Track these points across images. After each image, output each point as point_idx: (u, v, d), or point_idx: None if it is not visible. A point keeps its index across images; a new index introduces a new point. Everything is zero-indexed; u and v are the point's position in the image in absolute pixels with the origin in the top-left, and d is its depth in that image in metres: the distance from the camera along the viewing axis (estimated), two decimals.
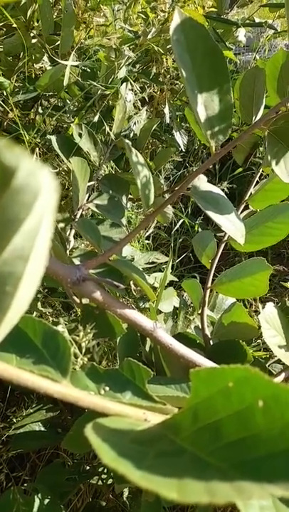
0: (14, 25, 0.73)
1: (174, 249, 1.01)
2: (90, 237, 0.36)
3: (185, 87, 0.30)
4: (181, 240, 1.05)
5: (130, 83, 0.68)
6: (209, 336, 0.46)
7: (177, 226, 1.01)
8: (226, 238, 0.50)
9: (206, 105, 0.32)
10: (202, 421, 0.20)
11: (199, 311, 0.48)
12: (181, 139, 0.93)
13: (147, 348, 0.51)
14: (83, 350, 0.33)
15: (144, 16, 0.71)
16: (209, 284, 0.48)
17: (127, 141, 0.69)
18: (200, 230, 1.17)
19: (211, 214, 0.35)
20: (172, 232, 1.01)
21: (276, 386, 0.17)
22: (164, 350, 0.40)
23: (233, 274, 0.46)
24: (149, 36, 0.61)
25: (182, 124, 1.03)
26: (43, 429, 0.71)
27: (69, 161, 0.56)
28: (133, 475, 0.15)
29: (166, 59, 0.90)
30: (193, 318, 0.54)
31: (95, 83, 0.58)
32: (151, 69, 0.88)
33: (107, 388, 0.30)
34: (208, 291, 0.48)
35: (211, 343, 0.45)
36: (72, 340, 0.32)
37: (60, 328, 0.28)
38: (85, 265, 0.34)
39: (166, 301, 0.65)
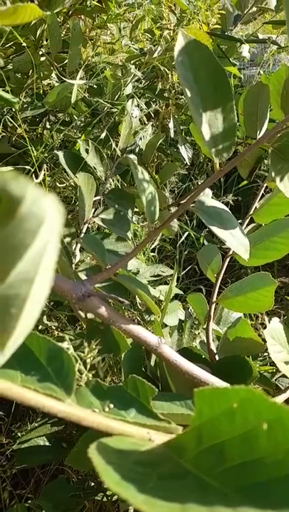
0: (24, 44, 0.74)
1: (179, 262, 1.01)
2: (95, 252, 0.36)
3: (189, 106, 0.30)
4: (186, 253, 1.05)
5: (136, 99, 0.69)
6: (214, 351, 0.46)
7: (182, 239, 1.02)
8: (231, 252, 0.50)
9: (210, 124, 0.32)
10: (206, 442, 0.20)
11: (204, 326, 0.48)
12: (186, 152, 0.94)
13: (152, 363, 0.51)
14: (88, 366, 0.33)
15: (149, 35, 0.72)
16: (214, 299, 0.48)
17: (132, 157, 0.70)
18: (205, 242, 1.17)
19: (215, 229, 0.35)
20: (178, 245, 1.02)
21: (280, 409, 0.17)
22: (169, 366, 0.39)
23: (238, 289, 0.46)
24: (155, 55, 0.62)
25: (187, 137, 1.04)
26: (47, 443, 0.71)
27: (76, 176, 0.57)
28: (135, 499, 0.15)
29: (172, 75, 0.91)
30: (199, 333, 0.54)
31: (101, 100, 0.59)
32: (157, 84, 0.90)
33: (112, 405, 0.30)
34: (214, 305, 0.48)
35: (217, 358, 0.45)
36: (77, 356, 0.32)
37: (65, 344, 0.28)
38: (90, 281, 0.35)
39: (171, 315, 0.65)
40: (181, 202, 0.35)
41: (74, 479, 0.63)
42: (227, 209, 0.38)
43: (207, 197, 0.37)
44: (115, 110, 0.71)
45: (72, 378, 0.24)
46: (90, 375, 0.32)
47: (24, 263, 0.13)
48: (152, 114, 0.89)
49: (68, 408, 0.21)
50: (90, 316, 0.42)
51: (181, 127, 0.99)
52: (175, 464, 0.20)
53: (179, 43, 0.31)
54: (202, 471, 0.18)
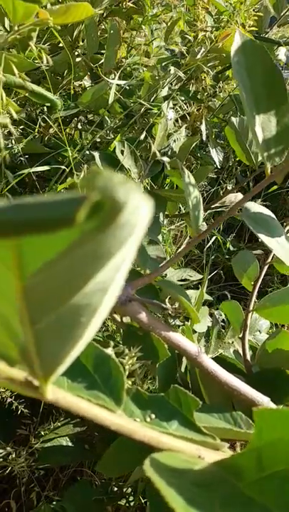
0: (60, 45, 0.75)
1: (205, 266, 0.99)
2: (138, 257, 0.35)
3: (243, 108, 0.29)
4: (213, 257, 1.03)
5: (172, 101, 0.68)
6: (250, 362, 0.44)
7: (210, 243, 1.00)
8: (269, 260, 0.48)
9: (263, 127, 0.31)
10: (268, 468, 0.18)
11: (240, 335, 0.46)
12: (217, 155, 0.93)
13: (182, 369, 0.50)
14: (126, 373, 0.32)
15: (189, 37, 0.71)
16: (251, 307, 0.46)
17: (165, 159, 0.69)
18: (231, 247, 1.15)
19: (262, 237, 0.34)
20: (205, 249, 1.00)
21: None
22: (206, 375, 0.38)
23: (277, 299, 0.44)
24: (198, 56, 0.61)
25: (217, 141, 1.03)
26: (70, 444, 0.70)
27: None
28: None
29: (205, 77, 0.90)
30: (232, 342, 0.52)
31: (141, 101, 0.58)
32: (189, 86, 0.88)
33: (153, 416, 0.29)
34: (250, 314, 0.46)
35: (253, 369, 0.43)
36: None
37: (109, 351, 0.27)
38: (131, 285, 0.34)
39: (200, 321, 0.63)
40: (228, 209, 0.34)
41: (97, 482, 0.63)
42: (273, 216, 0.37)
43: (253, 203, 0.35)
44: (149, 112, 0.70)
45: (121, 388, 0.23)
46: (130, 383, 0.31)
47: (104, 273, 0.13)
48: (184, 117, 0.87)
49: (120, 420, 0.20)
50: (125, 320, 0.42)
51: (212, 130, 0.97)
52: (234, 488, 0.19)
53: (236, 43, 0.30)
54: (268, 500, 0.17)
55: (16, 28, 0.33)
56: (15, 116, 0.39)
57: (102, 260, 0.12)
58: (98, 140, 0.88)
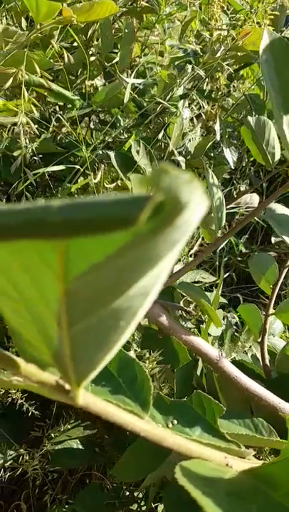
0: (74, 44, 0.75)
1: (218, 268, 0.98)
2: None
3: (272, 107, 0.28)
4: (225, 259, 1.03)
5: (187, 100, 0.67)
6: (269, 367, 0.44)
7: (223, 245, 0.99)
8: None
9: None
10: None
11: (258, 339, 0.46)
12: (230, 156, 0.92)
13: (198, 372, 0.49)
14: None
15: (206, 35, 0.71)
16: (270, 311, 0.45)
17: (180, 159, 0.69)
18: (243, 249, 1.14)
19: (286, 239, 0.33)
20: (218, 251, 0.99)
21: None
22: (226, 380, 0.38)
23: None
24: (218, 54, 0.61)
25: (231, 141, 1.02)
26: (80, 446, 0.70)
27: (126, 177, 0.56)
28: None
29: (219, 76, 0.89)
30: (250, 346, 0.52)
31: (159, 99, 0.58)
32: (202, 86, 0.88)
33: (175, 422, 0.28)
34: (269, 318, 0.46)
35: (272, 375, 0.43)
36: None
37: (132, 354, 0.27)
38: None
39: (221, 324, 0.63)
40: (250, 212, 0.34)
41: (108, 486, 0.62)
42: None
43: (278, 205, 0.35)
44: (164, 111, 0.70)
45: (147, 393, 0.23)
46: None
47: (149, 277, 0.12)
48: (198, 116, 0.87)
49: (149, 427, 0.20)
50: (142, 322, 0.41)
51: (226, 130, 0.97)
52: (269, 498, 0.18)
53: (264, 41, 0.29)
54: None
55: (38, 26, 0.33)
56: (36, 114, 0.39)
57: (152, 263, 0.11)
58: (112, 140, 0.88)
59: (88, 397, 0.18)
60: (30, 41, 0.34)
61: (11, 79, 0.36)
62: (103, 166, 0.49)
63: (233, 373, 0.35)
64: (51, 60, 0.45)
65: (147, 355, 0.31)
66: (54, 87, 0.45)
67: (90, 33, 0.76)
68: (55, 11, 0.31)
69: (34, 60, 0.37)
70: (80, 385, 0.17)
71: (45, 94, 0.45)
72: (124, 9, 0.74)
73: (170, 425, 0.28)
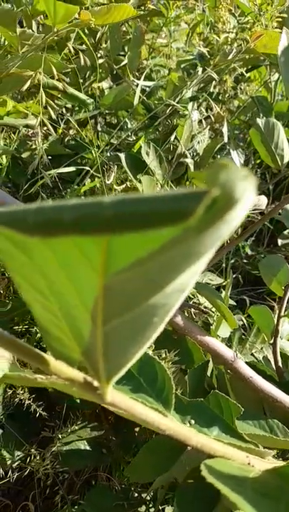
0: (82, 47, 0.75)
1: (224, 270, 0.98)
2: None
3: None
4: (232, 261, 1.03)
5: (195, 103, 0.68)
6: (282, 369, 0.44)
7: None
8: None
9: None
10: None
11: (270, 341, 0.46)
12: (238, 158, 0.92)
13: (209, 373, 0.49)
14: None
15: (216, 37, 0.71)
16: (283, 313, 0.45)
17: (189, 161, 0.69)
18: (249, 251, 1.14)
19: None
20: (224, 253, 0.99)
21: None
22: (240, 381, 0.38)
23: None
24: (230, 57, 0.61)
25: (238, 143, 1.02)
26: (88, 448, 0.70)
27: (136, 179, 0.56)
28: None
29: (226, 78, 0.90)
30: (261, 348, 0.52)
31: (170, 101, 0.58)
32: (210, 88, 0.88)
33: (193, 421, 0.29)
34: (282, 320, 0.46)
35: (285, 376, 0.43)
36: None
37: (151, 353, 0.27)
38: None
39: (224, 326, 0.63)
40: (267, 212, 0.34)
41: (117, 487, 0.62)
42: None
43: None
44: (171, 112, 0.70)
45: (169, 392, 0.23)
46: None
47: (188, 274, 0.12)
48: (206, 118, 0.87)
49: (174, 425, 0.20)
50: None
51: (233, 132, 0.97)
52: None
53: (283, 43, 0.29)
54: None
55: (55, 29, 0.33)
56: (53, 116, 0.39)
57: (194, 259, 0.11)
58: (117, 141, 0.88)
59: (115, 395, 0.18)
60: (47, 44, 0.35)
61: (29, 81, 0.36)
62: (116, 167, 0.49)
63: (248, 374, 0.35)
64: (63, 63, 0.45)
65: (164, 355, 0.31)
66: (68, 89, 0.45)
67: (98, 35, 0.77)
68: (73, 14, 0.31)
69: (52, 63, 0.37)
70: (110, 382, 0.17)
71: (59, 96, 0.45)
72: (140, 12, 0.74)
73: (187, 425, 0.28)
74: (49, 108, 0.39)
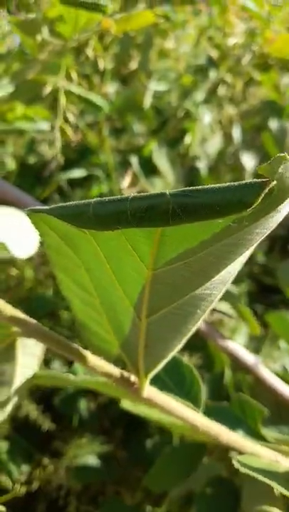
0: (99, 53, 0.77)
1: (239, 279, 0.99)
2: None
3: None
4: (245, 268, 1.04)
5: (205, 106, 0.70)
6: None
7: None
8: None
9: None
10: None
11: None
12: (249, 161, 0.94)
13: (227, 380, 0.50)
14: None
15: (222, 42, 0.73)
16: None
17: (202, 164, 0.70)
18: (262, 258, 1.15)
19: None
20: None
21: None
22: (259, 386, 0.38)
23: None
24: (245, 61, 0.63)
25: (249, 147, 1.04)
26: (97, 461, 0.71)
27: (148, 181, 0.58)
28: None
29: (236, 82, 0.92)
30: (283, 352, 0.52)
31: (179, 104, 0.60)
32: (220, 92, 0.90)
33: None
34: None
35: None
36: None
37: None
38: None
39: (240, 333, 0.64)
40: None
41: (128, 501, 0.62)
42: None
43: None
44: (183, 116, 0.72)
45: (198, 391, 0.24)
46: None
47: (234, 264, 0.14)
48: (217, 122, 0.89)
49: (207, 421, 0.21)
50: None
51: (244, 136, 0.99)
52: None
53: None
54: None
55: (75, 37, 0.35)
56: (72, 119, 0.41)
57: (243, 249, 0.13)
58: (126, 146, 0.90)
59: (151, 390, 0.19)
60: (67, 50, 0.37)
61: (49, 87, 0.38)
62: (131, 170, 0.51)
63: (269, 379, 0.36)
64: (79, 68, 0.47)
65: (186, 358, 0.32)
66: (82, 92, 0.47)
67: (108, 40, 0.79)
68: (95, 22, 0.33)
69: (72, 69, 0.39)
70: (148, 376, 0.18)
71: (75, 101, 0.47)
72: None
73: None
74: (67, 112, 0.41)
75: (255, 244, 0.13)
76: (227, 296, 0.36)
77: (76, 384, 0.22)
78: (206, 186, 0.11)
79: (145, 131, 0.78)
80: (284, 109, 1.01)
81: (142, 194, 0.12)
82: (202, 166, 0.67)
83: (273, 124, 0.65)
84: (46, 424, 0.63)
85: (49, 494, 0.66)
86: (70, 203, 0.12)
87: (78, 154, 0.82)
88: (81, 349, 0.19)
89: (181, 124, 0.72)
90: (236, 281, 0.95)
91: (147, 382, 0.18)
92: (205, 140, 0.71)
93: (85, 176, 0.70)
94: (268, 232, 0.12)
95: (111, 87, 0.93)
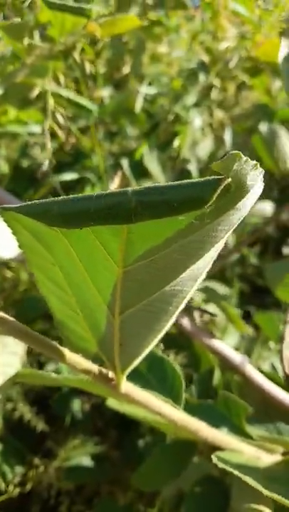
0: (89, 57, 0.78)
1: (230, 279, 1.00)
2: None
3: None
4: (238, 270, 1.04)
5: (196, 109, 0.70)
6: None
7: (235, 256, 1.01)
8: None
9: None
10: None
11: (277, 347, 0.47)
12: None
13: (216, 380, 0.50)
14: None
15: (215, 46, 0.74)
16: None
17: (192, 167, 0.71)
18: (254, 260, 1.16)
19: None
20: (227, 261, 1.01)
21: None
22: (247, 386, 0.39)
23: None
24: (232, 65, 0.64)
25: (241, 151, 1.05)
26: (90, 462, 0.71)
27: (138, 185, 0.58)
28: None
29: (228, 86, 0.93)
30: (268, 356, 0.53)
31: (170, 108, 0.60)
32: (212, 95, 0.91)
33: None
34: (288, 325, 0.47)
35: None
36: None
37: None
38: None
39: (232, 335, 0.64)
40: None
41: (120, 502, 0.62)
42: None
43: None
44: (171, 119, 0.73)
45: (179, 388, 0.24)
46: None
47: (203, 260, 0.14)
48: (208, 125, 0.90)
49: (186, 417, 0.21)
50: None
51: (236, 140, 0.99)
52: None
53: (283, 50, 0.31)
54: None
55: (62, 40, 0.35)
56: (62, 122, 0.41)
57: (209, 245, 0.13)
58: (118, 149, 0.90)
59: (129, 387, 0.19)
60: (54, 54, 0.37)
61: (36, 90, 0.38)
62: (120, 172, 0.51)
63: (257, 379, 0.36)
64: (68, 71, 0.48)
65: (171, 357, 0.32)
66: (71, 96, 0.48)
67: (100, 45, 0.80)
68: (80, 26, 0.33)
69: (59, 72, 0.39)
70: (124, 372, 0.18)
71: (64, 105, 0.47)
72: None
73: None
74: (57, 115, 0.41)
75: (221, 242, 0.13)
76: (213, 296, 0.36)
77: (58, 382, 0.22)
78: (166, 184, 0.11)
79: (137, 134, 0.79)
80: (276, 113, 1.01)
81: (106, 192, 0.12)
82: (193, 168, 0.67)
83: (263, 127, 0.66)
84: (40, 425, 0.63)
85: (43, 495, 0.66)
86: (38, 200, 0.12)
87: (72, 157, 0.82)
88: (59, 346, 0.19)
89: (172, 128, 0.73)
90: (227, 281, 0.95)
91: (124, 378, 0.18)
92: (196, 143, 0.71)
93: (77, 178, 0.70)
94: (231, 229, 0.13)
95: (105, 91, 0.94)
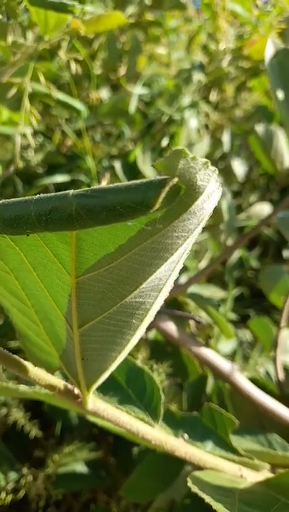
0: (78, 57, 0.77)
1: (228, 283, 0.98)
2: None
3: (280, 112, 0.29)
4: (237, 274, 1.02)
5: (193, 111, 0.69)
6: (282, 382, 0.43)
7: (234, 260, 0.99)
8: None
9: None
10: None
11: (271, 353, 0.45)
12: (239, 167, 0.93)
13: (209, 389, 0.49)
14: None
15: (213, 47, 0.73)
16: (283, 324, 0.45)
17: None
18: (254, 264, 1.14)
19: None
20: (226, 264, 0.99)
21: None
22: (238, 395, 0.37)
23: None
24: (224, 64, 0.62)
25: (239, 152, 1.03)
26: (85, 469, 0.69)
27: None
28: None
29: (226, 87, 0.91)
30: (263, 359, 0.51)
31: (165, 109, 0.59)
32: (210, 96, 0.90)
33: (186, 435, 0.28)
34: (281, 331, 0.45)
35: (287, 390, 0.42)
36: None
37: (140, 364, 0.27)
38: None
39: (226, 341, 0.62)
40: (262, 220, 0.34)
41: (115, 510, 0.61)
42: None
43: (287, 212, 0.35)
44: (170, 121, 0.72)
45: (157, 403, 0.23)
46: None
47: (163, 268, 0.12)
48: (205, 127, 0.88)
49: (161, 435, 0.20)
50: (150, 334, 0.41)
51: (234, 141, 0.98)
52: (284, 506, 0.18)
53: (269, 50, 0.30)
54: None
55: (46, 38, 0.34)
56: (35, 125, 0.40)
57: (166, 253, 0.12)
58: (115, 151, 0.89)
59: (98, 403, 0.18)
60: (38, 53, 0.36)
61: (14, 89, 0.37)
62: (109, 174, 0.50)
63: (246, 387, 0.34)
64: (57, 72, 0.47)
65: (155, 366, 0.31)
66: (60, 97, 0.47)
67: (96, 45, 0.79)
68: (64, 23, 0.32)
69: (39, 71, 0.38)
70: (90, 389, 0.17)
71: (52, 105, 0.46)
72: (131, 21, 0.76)
73: (180, 439, 0.28)
74: (34, 118, 0.40)
75: (180, 250, 0.12)
76: (198, 301, 0.35)
77: (28, 396, 0.21)
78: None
79: (132, 136, 0.77)
80: (275, 115, 1.00)
81: (47, 195, 0.11)
82: None
83: (260, 128, 0.64)
84: (34, 431, 0.61)
85: (37, 502, 0.65)
86: None
87: (67, 159, 0.81)
88: (21, 360, 0.17)
89: (167, 129, 0.72)
90: (223, 286, 0.93)
91: (90, 395, 0.17)
92: (192, 144, 0.70)
93: (70, 180, 0.69)
94: (191, 236, 0.11)
95: (103, 93, 0.93)
